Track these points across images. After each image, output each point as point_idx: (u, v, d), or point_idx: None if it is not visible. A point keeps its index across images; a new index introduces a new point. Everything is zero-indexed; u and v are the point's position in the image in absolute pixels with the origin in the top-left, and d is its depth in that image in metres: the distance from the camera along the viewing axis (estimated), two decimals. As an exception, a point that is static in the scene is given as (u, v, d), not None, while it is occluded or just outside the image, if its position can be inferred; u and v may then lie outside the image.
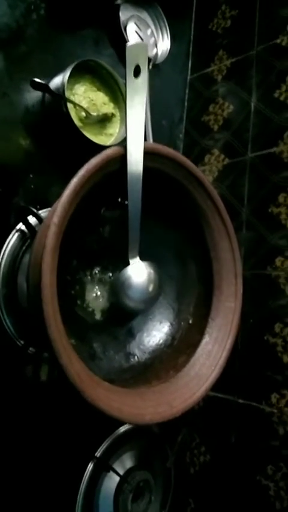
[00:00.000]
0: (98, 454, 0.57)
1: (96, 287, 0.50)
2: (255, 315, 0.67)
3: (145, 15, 0.80)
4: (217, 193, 0.51)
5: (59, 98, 0.59)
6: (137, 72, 0.38)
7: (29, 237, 0.52)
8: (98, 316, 0.50)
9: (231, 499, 0.65)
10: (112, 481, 0.59)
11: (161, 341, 0.53)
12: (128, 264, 0.48)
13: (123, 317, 0.52)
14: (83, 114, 0.63)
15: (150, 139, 0.75)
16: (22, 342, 0.52)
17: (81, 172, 0.36)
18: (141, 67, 0.37)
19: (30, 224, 0.51)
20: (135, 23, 0.77)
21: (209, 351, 0.49)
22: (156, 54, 0.81)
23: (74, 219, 0.38)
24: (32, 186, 0.58)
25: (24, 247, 0.52)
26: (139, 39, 0.76)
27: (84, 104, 0.63)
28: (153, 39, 0.80)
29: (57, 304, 0.34)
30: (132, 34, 0.76)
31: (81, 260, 0.49)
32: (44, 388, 0.56)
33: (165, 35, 0.81)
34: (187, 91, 0.89)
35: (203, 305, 0.52)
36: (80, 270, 0.49)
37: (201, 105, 0.85)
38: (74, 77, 0.62)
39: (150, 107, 0.76)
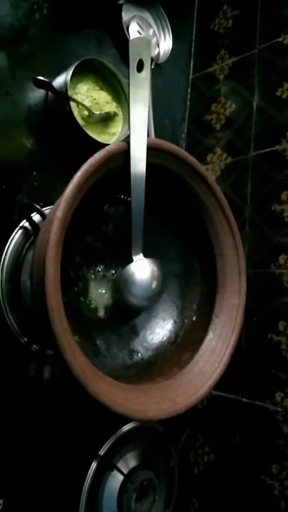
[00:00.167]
0: (101, 452, 0.57)
1: (100, 284, 0.50)
2: (259, 313, 0.67)
3: (147, 15, 0.80)
4: (218, 186, 0.51)
5: (62, 97, 0.59)
6: (140, 67, 0.38)
7: (32, 234, 0.52)
8: (101, 313, 0.50)
9: (236, 498, 0.65)
10: (116, 480, 0.59)
11: (165, 338, 0.52)
12: (131, 261, 0.48)
13: (127, 314, 0.52)
14: (86, 113, 0.63)
15: (153, 138, 0.75)
16: (25, 339, 0.52)
17: (85, 167, 0.36)
18: (144, 62, 0.38)
19: (33, 221, 0.51)
20: (138, 23, 0.77)
21: (213, 347, 0.49)
22: (158, 54, 0.81)
23: (77, 215, 0.38)
24: (36, 184, 0.59)
25: (27, 245, 0.52)
26: (141, 39, 0.76)
27: (87, 103, 0.63)
28: (155, 39, 0.80)
29: (61, 299, 0.34)
30: (135, 34, 0.76)
31: (84, 257, 0.48)
32: (48, 386, 0.56)
33: (167, 35, 0.81)
34: (189, 90, 0.89)
35: (207, 302, 0.52)
36: (83, 266, 0.49)
37: (204, 104, 0.85)
38: (77, 76, 0.62)
39: (153, 106, 0.76)
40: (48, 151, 0.62)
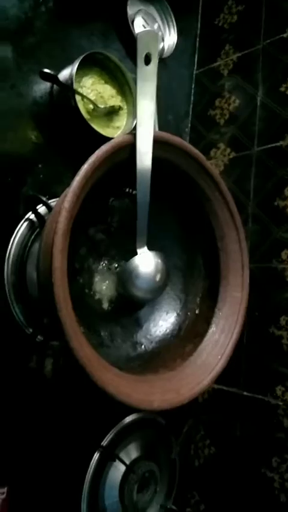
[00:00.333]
0: (104, 443, 0.58)
1: (104, 276, 0.50)
2: (261, 308, 0.67)
3: (152, 10, 0.80)
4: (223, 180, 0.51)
5: (67, 90, 0.59)
6: (147, 60, 0.38)
7: (37, 226, 0.53)
8: (105, 305, 0.50)
9: (236, 491, 0.65)
10: (118, 471, 0.59)
11: (168, 331, 0.53)
12: (136, 253, 0.48)
13: (131, 307, 0.53)
14: (91, 106, 0.63)
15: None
16: (30, 330, 0.52)
17: (92, 158, 0.36)
18: (151, 55, 0.38)
19: (39, 213, 0.52)
20: (143, 17, 0.78)
21: (216, 340, 0.49)
22: (163, 48, 0.81)
23: (83, 207, 0.39)
24: (41, 176, 0.59)
25: (33, 237, 0.52)
26: (146, 33, 0.76)
27: (91, 97, 0.64)
28: (160, 33, 0.80)
29: (68, 288, 0.35)
30: (140, 28, 0.76)
31: (89, 249, 0.49)
32: (52, 377, 0.56)
33: (172, 30, 0.82)
34: (193, 85, 0.89)
35: (210, 295, 0.52)
36: (88, 258, 0.49)
37: (208, 99, 0.85)
38: (82, 70, 0.63)
39: (157, 101, 0.76)
40: (53, 144, 0.62)
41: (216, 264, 0.52)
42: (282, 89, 0.72)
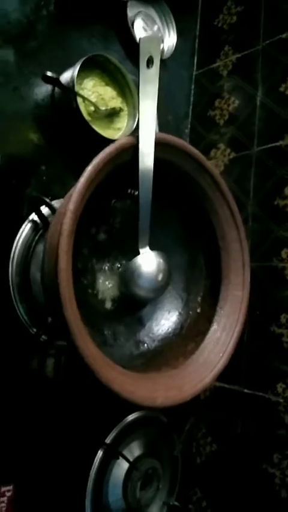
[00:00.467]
0: (107, 441, 0.58)
1: (107, 276, 0.51)
2: (262, 306, 0.68)
3: (152, 12, 0.81)
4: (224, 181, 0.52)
5: (69, 92, 0.60)
6: (149, 63, 0.39)
7: (41, 227, 0.53)
8: (108, 304, 0.51)
9: (238, 488, 0.66)
10: (121, 468, 0.60)
11: (170, 329, 0.54)
12: (138, 253, 0.49)
13: (133, 306, 0.53)
14: (92, 108, 0.64)
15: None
16: (35, 330, 0.53)
17: (96, 160, 0.37)
18: (154, 58, 0.39)
19: (42, 214, 0.52)
20: (142, 19, 0.78)
21: (218, 338, 0.50)
22: (163, 50, 0.81)
23: (86, 208, 0.40)
24: (44, 178, 0.60)
25: (36, 237, 0.53)
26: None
27: (93, 99, 0.64)
28: (160, 35, 0.81)
29: (73, 288, 0.35)
30: (139, 30, 0.77)
31: (92, 249, 0.50)
32: (55, 377, 0.57)
33: (171, 31, 0.82)
34: (193, 86, 0.89)
35: (211, 294, 0.53)
36: (91, 259, 0.50)
37: (207, 100, 0.86)
38: (83, 72, 0.63)
39: (157, 102, 0.77)
40: (55, 146, 0.63)
41: (218, 263, 0.52)
42: (282, 89, 0.73)
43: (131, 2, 0.76)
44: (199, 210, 0.51)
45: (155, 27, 0.80)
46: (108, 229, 0.51)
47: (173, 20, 0.82)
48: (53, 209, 0.52)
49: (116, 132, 0.68)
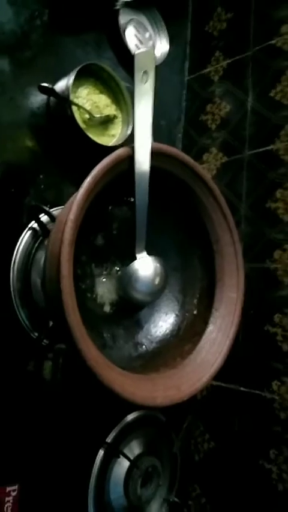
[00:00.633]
0: (108, 440, 0.60)
1: (105, 281, 0.52)
2: (256, 307, 0.70)
3: (143, 19, 0.82)
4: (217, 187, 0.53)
5: (64, 101, 0.61)
6: (144, 77, 0.41)
7: (40, 235, 0.55)
8: (107, 308, 0.52)
9: (236, 483, 0.68)
10: (122, 466, 0.61)
11: (167, 331, 0.55)
12: (135, 258, 0.51)
13: (131, 309, 0.55)
14: (87, 116, 0.65)
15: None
16: (36, 334, 0.54)
17: (94, 172, 0.39)
18: (148, 73, 0.40)
19: (42, 222, 0.54)
20: (134, 27, 0.80)
21: (214, 339, 0.51)
22: (155, 56, 0.83)
23: (85, 216, 0.41)
24: (42, 187, 0.61)
25: (36, 244, 0.54)
26: (138, 43, 0.79)
27: (87, 106, 0.66)
28: (151, 42, 0.82)
29: (74, 294, 0.37)
30: (131, 38, 0.78)
31: (90, 255, 0.51)
32: (57, 379, 0.58)
33: (163, 38, 0.84)
34: (185, 92, 0.91)
35: (207, 296, 0.55)
36: (90, 264, 0.51)
37: (199, 105, 0.88)
38: (78, 80, 0.64)
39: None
40: (51, 154, 0.64)
41: (212, 266, 0.54)
42: (272, 95, 0.75)
43: (122, 10, 0.77)
44: (194, 215, 0.53)
45: (147, 34, 0.82)
46: (105, 235, 0.53)
47: (164, 27, 0.84)
48: (52, 217, 0.53)
49: (111, 138, 0.69)
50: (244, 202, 0.75)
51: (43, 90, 0.59)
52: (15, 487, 0.50)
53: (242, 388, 0.70)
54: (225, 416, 0.71)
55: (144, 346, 0.53)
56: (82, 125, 0.64)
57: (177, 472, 0.72)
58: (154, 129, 0.79)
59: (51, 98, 0.64)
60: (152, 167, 0.45)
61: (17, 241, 0.55)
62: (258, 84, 0.77)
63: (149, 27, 0.83)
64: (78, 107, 0.63)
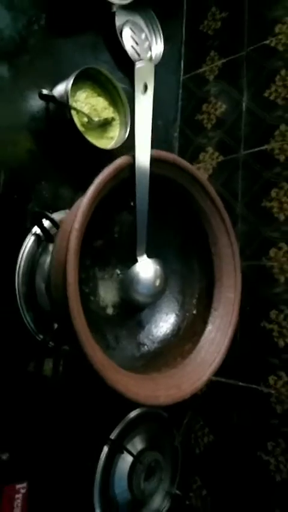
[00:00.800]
0: (112, 436, 0.62)
1: (108, 284, 0.54)
2: (252, 303, 0.71)
3: (139, 20, 0.83)
4: (215, 191, 0.55)
5: (63, 106, 0.62)
6: (144, 89, 0.42)
7: (43, 240, 0.56)
8: (110, 310, 0.54)
9: (235, 475, 0.69)
10: (126, 462, 0.63)
11: (168, 331, 0.57)
12: (136, 261, 0.52)
13: (133, 310, 0.56)
14: (85, 119, 0.66)
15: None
16: (41, 336, 0.56)
17: (97, 181, 0.40)
18: (148, 85, 0.41)
19: (44, 227, 0.55)
20: (130, 28, 0.80)
21: (212, 338, 0.53)
22: (151, 57, 0.84)
23: (89, 222, 0.42)
24: (44, 192, 0.62)
25: (40, 249, 0.56)
26: (134, 44, 0.79)
27: (86, 110, 0.67)
28: (147, 42, 0.83)
29: (80, 300, 0.38)
30: (128, 39, 0.79)
31: (93, 259, 0.52)
32: (62, 380, 0.60)
33: (158, 38, 0.84)
34: (180, 91, 0.92)
35: (206, 297, 0.56)
36: (93, 268, 0.53)
37: (195, 104, 0.88)
38: (76, 84, 0.65)
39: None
40: (51, 158, 0.65)
41: (211, 267, 0.56)
42: (266, 95, 0.76)
43: (118, 12, 0.78)
44: (193, 218, 0.55)
45: (143, 35, 0.82)
46: (107, 239, 0.54)
47: (159, 27, 0.84)
48: (54, 222, 0.54)
49: (109, 141, 0.70)
50: (240, 201, 0.76)
51: (43, 97, 0.60)
52: (24, 484, 0.52)
53: (240, 383, 0.71)
54: (224, 411, 0.73)
55: (146, 346, 0.55)
56: (81, 128, 0.65)
57: (179, 466, 0.74)
58: (151, 130, 0.80)
59: (50, 102, 0.65)
60: (151, 173, 0.46)
61: (21, 246, 0.56)
62: (253, 84, 0.78)
63: (145, 28, 0.84)
64: (77, 111, 0.64)
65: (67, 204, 0.65)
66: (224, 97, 0.83)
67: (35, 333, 0.56)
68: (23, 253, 0.55)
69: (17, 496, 0.50)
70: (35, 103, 0.65)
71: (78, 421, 0.63)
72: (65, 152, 0.66)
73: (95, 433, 0.63)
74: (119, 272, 0.55)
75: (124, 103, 0.71)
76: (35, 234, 0.57)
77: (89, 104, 0.68)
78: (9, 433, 0.56)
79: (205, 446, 0.75)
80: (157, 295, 0.54)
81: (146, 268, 0.52)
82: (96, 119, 0.67)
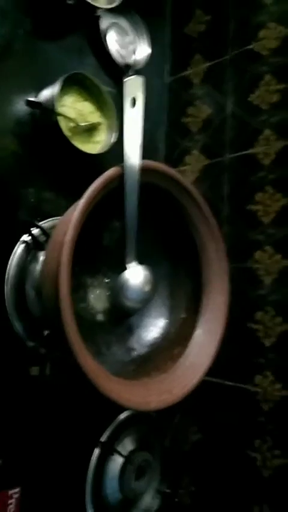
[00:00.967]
0: (103, 439, 0.63)
1: (98, 290, 0.55)
2: (239, 305, 0.72)
3: (124, 23, 0.83)
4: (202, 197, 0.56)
5: (50, 112, 0.62)
6: (133, 103, 0.42)
7: (32, 248, 0.56)
8: (100, 316, 0.54)
9: (223, 472, 0.71)
10: (116, 463, 0.65)
11: (158, 335, 0.58)
12: (125, 268, 0.53)
13: (123, 316, 0.57)
14: (72, 124, 0.66)
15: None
16: (32, 344, 0.56)
17: (88, 193, 0.40)
18: (136, 99, 0.42)
19: (33, 235, 0.55)
20: (115, 31, 0.80)
21: (202, 341, 0.54)
22: (136, 60, 0.84)
23: (79, 232, 0.43)
24: (32, 199, 0.62)
25: (29, 257, 0.56)
26: (119, 48, 0.79)
27: (72, 115, 0.66)
28: (132, 46, 0.83)
29: (72, 311, 0.39)
30: (113, 43, 0.79)
31: (83, 266, 0.53)
32: (53, 385, 0.60)
33: (144, 42, 0.84)
34: (166, 94, 0.92)
35: (194, 301, 0.57)
36: (82, 275, 0.53)
37: (180, 107, 0.88)
38: (63, 89, 0.65)
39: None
40: (38, 164, 0.65)
41: (199, 273, 0.57)
42: (250, 99, 0.76)
43: (103, 15, 0.77)
44: (181, 225, 0.55)
45: (127, 39, 0.82)
46: (97, 247, 0.54)
47: (145, 30, 0.84)
48: (42, 230, 0.55)
49: (96, 145, 0.70)
50: (226, 204, 0.77)
51: (31, 104, 0.60)
52: (17, 489, 0.52)
53: (227, 382, 0.72)
54: (212, 409, 0.74)
55: (136, 351, 0.56)
56: (67, 133, 0.65)
57: (168, 464, 0.75)
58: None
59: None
60: (140, 182, 0.47)
61: (10, 254, 0.56)
62: (238, 89, 0.79)
63: (130, 31, 0.84)
64: (64, 116, 0.64)
65: (54, 209, 0.64)
66: (209, 100, 0.84)
67: (25, 339, 0.56)
68: (12, 261, 0.55)
69: (10, 501, 0.51)
70: (21, 107, 0.64)
71: (70, 425, 0.64)
72: (52, 157, 0.66)
73: (85, 437, 0.63)
74: (108, 279, 0.55)
75: (110, 107, 0.71)
76: (24, 242, 0.57)
77: (75, 109, 0.68)
78: (1, 440, 0.56)
79: (193, 444, 0.76)
80: (146, 301, 0.54)
81: (135, 275, 0.52)
82: (82, 124, 0.67)
